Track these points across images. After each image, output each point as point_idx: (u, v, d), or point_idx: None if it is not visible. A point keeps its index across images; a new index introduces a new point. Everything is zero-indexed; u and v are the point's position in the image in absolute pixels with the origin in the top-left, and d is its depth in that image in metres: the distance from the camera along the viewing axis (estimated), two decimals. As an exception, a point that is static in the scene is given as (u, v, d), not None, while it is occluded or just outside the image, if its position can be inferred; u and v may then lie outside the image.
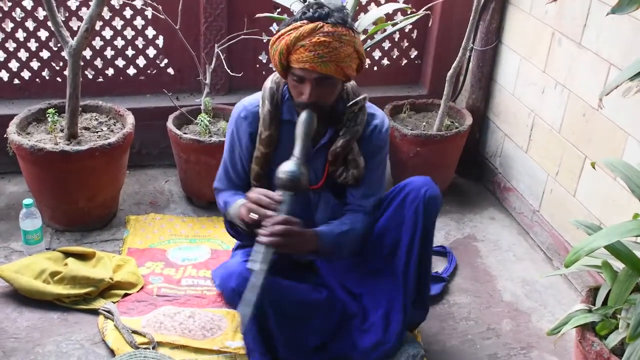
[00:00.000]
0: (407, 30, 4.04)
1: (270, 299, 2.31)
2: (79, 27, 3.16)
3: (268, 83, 2.45)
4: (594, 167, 2.38)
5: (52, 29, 3.14)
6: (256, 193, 2.28)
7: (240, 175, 2.54)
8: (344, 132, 2.41)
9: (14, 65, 3.65)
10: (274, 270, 2.21)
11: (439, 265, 3.14)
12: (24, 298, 2.80)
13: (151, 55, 3.83)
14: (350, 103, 2.41)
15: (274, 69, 2.59)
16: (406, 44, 4.11)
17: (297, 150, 2.27)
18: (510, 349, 2.74)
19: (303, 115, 2.27)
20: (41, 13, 3.55)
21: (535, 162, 3.46)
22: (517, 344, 2.77)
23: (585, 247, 1.99)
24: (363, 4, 3.86)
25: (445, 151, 3.68)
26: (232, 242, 3.00)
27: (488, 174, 3.91)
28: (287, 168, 2.23)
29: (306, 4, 2.35)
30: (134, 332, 2.64)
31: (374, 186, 2.51)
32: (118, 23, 3.71)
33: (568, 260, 2.00)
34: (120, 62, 3.79)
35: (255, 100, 2.46)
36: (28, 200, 3.01)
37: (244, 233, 2.44)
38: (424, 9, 3.55)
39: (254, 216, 2.25)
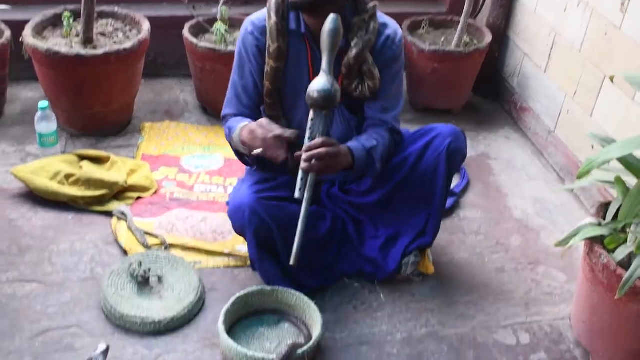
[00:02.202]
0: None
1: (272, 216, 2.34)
2: None
3: None
4: (612, 81, 2.35)
5: None
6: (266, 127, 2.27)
7: (250, 94, 2.45)
8: (356, 42, 2.33)
9: (29, -31, 3.62)
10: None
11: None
12: (39, 198, 2.84)
13: (168, -37, 3.78)
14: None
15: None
16: (427, -41, 4.03)
17: (325, 63, 2.20)
18: (518, 264, 2.76)
19: (328, 24, 2.17)
20: None
21: (553, 82, 3.42)
22: (524, 259, 2.79)
23: (599, 158, 1.98)
24: None
25: (463, 68, 3.64)
26: (246, 151, 3.01)
27: (505, 93, 3.88)
28: (319, 86, 2.17)
29: None
30: (147, 233, 2.68)
31: (392, 99, 2.46)
32: None
33: (581, 171, 1.99)
34: (137, -32, 3.75)
35: (262, 15, 2.40)
36: (44, 103, 3.02)
37: (248, 159, 2.44)
38: None
39: (258, 151, 2.24)
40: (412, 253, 2.57)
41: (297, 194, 2.19)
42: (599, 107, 3.04)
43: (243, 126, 2.33)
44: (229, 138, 2.44)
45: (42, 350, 2.22)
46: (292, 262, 2.18)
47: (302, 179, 2.19)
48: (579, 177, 2.01)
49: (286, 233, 2.33)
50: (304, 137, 2.22)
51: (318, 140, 2.18)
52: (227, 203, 2.48)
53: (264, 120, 2.29)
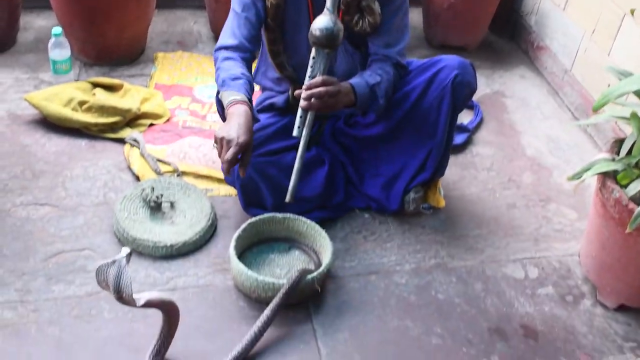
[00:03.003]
0: None
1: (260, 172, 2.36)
2: None
3: None
4: (632, 14, 2.31)
5: None
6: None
7: (252, 25, 2.35)
8: None
9: None
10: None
11: (464, 117, 3.12)
12: (52, 125, 2.85)
13: None
14: None
15: None
16: None
17: (329, 2, 2.18)
18: (529, 200, 2.76)
19: None
20: None
21: (571, 20, 3.37)
22: (536, 196, 2.79)
23: (616, 91, 1.96)
24: None
25: (480, 4, 3.59)
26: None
27: (522, 32, 3.83)
28: (322, 24, 2.15)
29: None
30: (159, 160, 2.70)
31: (395, 34, 2.42)
32: None
33: (597, 104, 1.98)
34: None
35: None
36: (57, 29, 3.01)
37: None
38: None
39: (217, 146, 2.15)
40: (412, 190, 2.57)
41: (295, 132, 2.21)
42: (617, 46, 3.00)
43: (232, 101, 2.19)
44: (219, 87, 2.28)
45: (55, 271, 2.25)
46: (287, 199, 2.21)
47: (301, 117, 2.20)
48: (595, 109, 2.00)
49: (275, 191, 2.37)
50: (305, 75, 2.22)
51: (318, 79, 2.18)
52: None
53: (242, 119, 2.14)
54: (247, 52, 2.36)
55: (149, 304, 1.85)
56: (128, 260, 1.79)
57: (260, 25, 2.40)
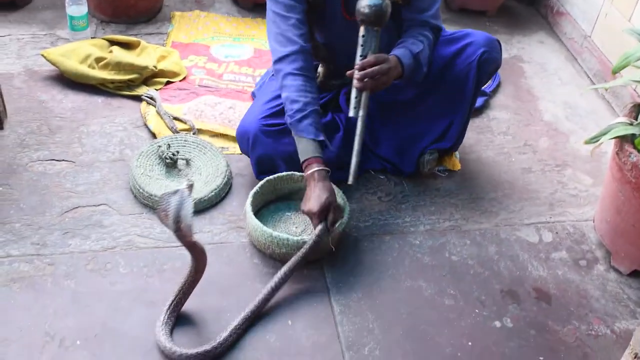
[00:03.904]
0: None
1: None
2: None
3: None
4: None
5: None
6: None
7: (301, 20, 2.27)
8: None
9: None
10: None
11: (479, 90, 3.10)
12: (69, 81, 2.86)
13: None
14: None
15: None
16: None
17: None
18: (545, 165, 2.75)
19: None
20: None
21: (592, -15, 3.33)
22: (552, 161, 2.78)
23: (637, 52, 1.95)
24: None
25: (500, -32, 3.55)
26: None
27: (542, -3, 3.79)
28: (370, 1, 2.11)
29: None
30: (175, 118, 2.70)
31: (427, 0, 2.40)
32: None
33: (617, 65, 1.96)
34: None
35: None
36: (74, -15, 3.00)
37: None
38: None
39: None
40: (428, 152, 2.56)
41: (351, 113, 2.19)
42: (639, 11, 2.96)
43: (305, 162, 2.21)
44: (288, 118, 2.25)
45: (71, 225, 2.27)
46: (350, 180, 2.19)
47: (356, 98, 2.18)
48: (615, 71, 1.98)
49: (289, 161, 2.36)
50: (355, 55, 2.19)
51: (371, 58, 2.16)
52: (252, 94, 2.44)
53: (319, 187, 2.17)
54: (307, 52, 2.29)
55: (197, 245, 1.89)
56: (190, 192, 1.80)
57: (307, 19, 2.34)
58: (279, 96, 2.36)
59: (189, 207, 1.80)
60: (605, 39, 3.23)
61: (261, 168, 2.41)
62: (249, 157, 2.45)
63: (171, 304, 1.97)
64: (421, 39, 2.34)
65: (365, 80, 2.15)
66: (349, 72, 2.19)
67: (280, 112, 2.36)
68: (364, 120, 2.19)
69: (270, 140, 2.34)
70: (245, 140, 2.37)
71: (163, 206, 1.81)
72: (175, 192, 1.80)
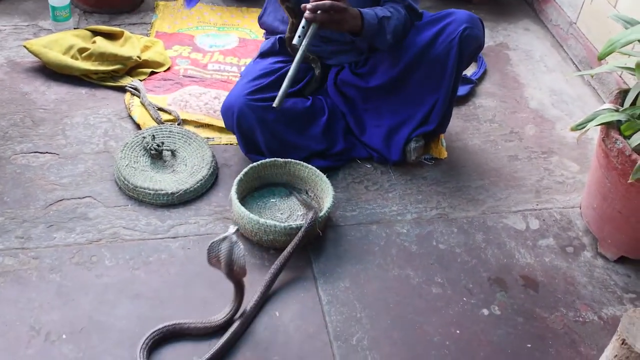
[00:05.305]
0: None
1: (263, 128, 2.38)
2: None
3: None
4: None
5: None
6: None
7: None
8: None
9: None
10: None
11: (468, 69, 3.09)
12: (52, 72, 2.83)
13: None
14: None
15: None
16: None
17: None
18: (531, 152, 2.75)
19: None
20: None
21: (578, -29, 3.33)
22: (538, 148, 2.78)
23: (622, 39, 1.94)
24: None
25: (485, -45, 3.54)
26: (261, 32, 2.98)
27: (527, -17, 3.78)
28: None
29: None
30: (160, 109, 2.68)
31: None
32: None
33: (602, 52, 1.96)
34: None
35: None
36: (56, -25, 2.97)
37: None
38: None
39: None
40: (413, 139, 2.55)
41: (295, 40, 2.19)
42: (624, -3, 2.96)
43: None
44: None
45: (56, 218, 2.25)
46: (275, 103, 2.19)
47: (303, 27, 2.18)
48: (600, 57, 1.97)
49: (270, 136, 2.38)
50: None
51: None
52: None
53: None
54: None
55: (243, 285, 1.94)
56: (238, 235, 1.83)
57: None
58: (264, 75, 2.39)
59: (240, 251, 1.83)
60: (591, 25, 3.22)
61: (246, 142, 2.42)
62: (233, 133, 2.45)
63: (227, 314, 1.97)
64: (391, 10, 2.35)
65: (318, 12, 2.15)
66: (303, 5, 2.19)
67: (265, 88, 2.38)
68: (304, 51, 2.18)
69: (256, 111, 2.34)
70: (230, 114, 2.37)
71: (214, 253, 1.84)
72: (224, 238, 1.82)
